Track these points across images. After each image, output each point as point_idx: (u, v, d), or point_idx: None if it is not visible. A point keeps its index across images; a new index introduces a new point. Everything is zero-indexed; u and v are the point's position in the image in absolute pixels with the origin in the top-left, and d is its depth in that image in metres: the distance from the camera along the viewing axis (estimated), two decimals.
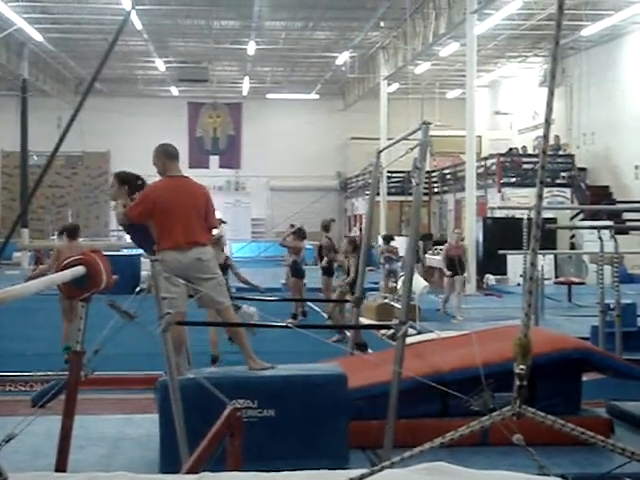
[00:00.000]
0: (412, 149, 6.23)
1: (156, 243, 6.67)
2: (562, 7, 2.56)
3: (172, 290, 6.23)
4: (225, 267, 10.86)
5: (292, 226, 18.09)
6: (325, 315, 15.81)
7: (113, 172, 8.95)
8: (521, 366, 2.56)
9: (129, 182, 7.05)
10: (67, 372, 4.74)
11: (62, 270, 4.53)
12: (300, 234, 16.35)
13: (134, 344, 8.11)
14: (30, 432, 4.78)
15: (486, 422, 2.57)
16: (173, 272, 6.32)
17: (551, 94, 2.62)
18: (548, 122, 2.58)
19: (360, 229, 32.81)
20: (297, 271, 15.93)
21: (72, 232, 11.49)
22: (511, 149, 30.51)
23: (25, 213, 24.86)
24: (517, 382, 2.56)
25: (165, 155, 6.82)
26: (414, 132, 6.46)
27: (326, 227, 16.42)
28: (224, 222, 24.15)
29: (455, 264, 15.95)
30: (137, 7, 23.65)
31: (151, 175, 7.09)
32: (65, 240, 11.60)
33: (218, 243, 11.32)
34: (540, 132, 27.33)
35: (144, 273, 18.66)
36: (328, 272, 15.16)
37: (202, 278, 6.56)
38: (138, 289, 5.63)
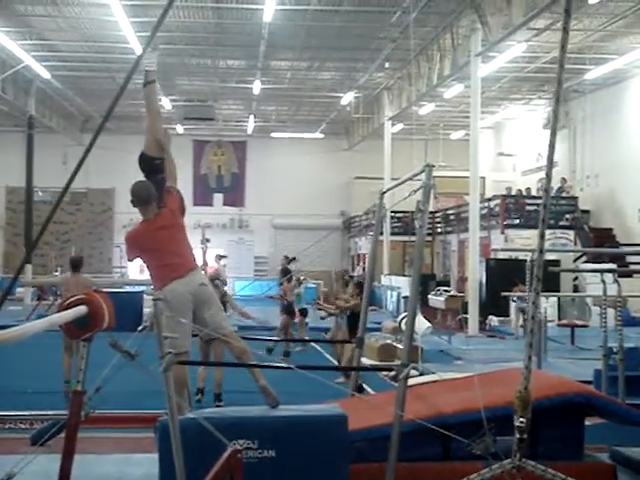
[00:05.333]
0: (415, 191, 6.24)
1: (155, 284, 6.71)
2: (565, 47, 2.59)
3: (175, 329, 6.23)
4: (223, 303, 10.84)
5: (286, 258, 18.95)
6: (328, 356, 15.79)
7: (117, 209, 9.02)
8: (521, 419, 2.54)
9: None
10: (67, 411, 4.72)
11: (65, 309, 4.52)
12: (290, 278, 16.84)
13: (135, 382, 8.06)
14: (29, 471, 4.75)
15: (486, 475, 2.55)
16: (183, 305, 6.42)
17: (553, 134, 2.64)
18: (550, 161, 2.60)
19: (363, 268, 32.80)
20: (287, 309, 16.51)
21: (75, 264, 11.44)
22: (508, 189, 30.39)
23: (31, 252, 24.91)
24: (517, 435, 2.54)
25: (134, 203, 7.05)
26: (418, 174, 6.48)
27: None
28: (224, 257, 24.33)
29: None
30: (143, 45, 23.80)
31: None
32: (69, 273, 11.55)
33: (214, 281, 11.29)
34: (544, 174, 27.41)
35: (146, 310, 18.62)
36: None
37: (208, 302, 6.78)
38: (140, 327, 5.62)
